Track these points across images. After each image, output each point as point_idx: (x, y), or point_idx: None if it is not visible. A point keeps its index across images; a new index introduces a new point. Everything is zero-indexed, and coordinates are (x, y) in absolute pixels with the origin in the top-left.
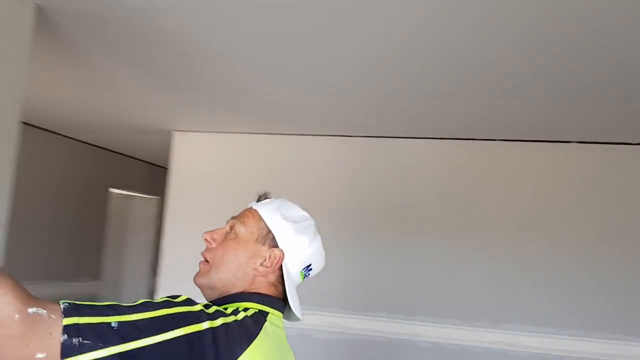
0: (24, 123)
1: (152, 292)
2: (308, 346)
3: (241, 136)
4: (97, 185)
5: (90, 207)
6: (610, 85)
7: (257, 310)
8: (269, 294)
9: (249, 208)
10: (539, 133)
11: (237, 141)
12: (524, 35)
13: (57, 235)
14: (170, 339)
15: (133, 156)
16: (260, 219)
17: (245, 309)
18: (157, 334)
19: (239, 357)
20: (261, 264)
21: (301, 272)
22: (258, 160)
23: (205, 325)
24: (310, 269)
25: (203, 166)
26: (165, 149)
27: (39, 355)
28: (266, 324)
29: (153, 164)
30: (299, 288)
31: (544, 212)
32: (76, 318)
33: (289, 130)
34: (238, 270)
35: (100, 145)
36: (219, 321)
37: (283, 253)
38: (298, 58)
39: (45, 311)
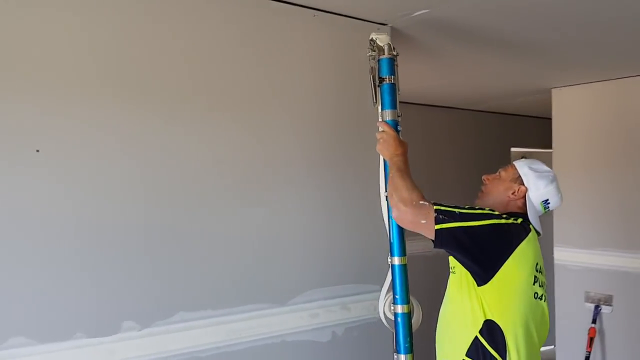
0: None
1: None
2: None
3: (612, 83)
4: (500, 146)
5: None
6: None
7: (523, 220)
8: (521, 212)
9: (511, 164)
10: None
11: (609, 88)
12: None
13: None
14: (486, 224)
15: (530, 115)
16: (516, 169)
17: (516, 219)
18: (478, 220)
19: (519, 245)
20: (512, 194)
21: (541, 203)
22: (632, 103)
23: (503, 221)
24: (548, 203)
25: (580, 117)
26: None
27: (422, 221)
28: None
29: (546, 118)
30: None
31: None
32: (440, 206)
33: None
34: (497, 196)
35: (498, 111)
36: (511, 220)
37: (527, 188)
38: None
39: (427, 203)
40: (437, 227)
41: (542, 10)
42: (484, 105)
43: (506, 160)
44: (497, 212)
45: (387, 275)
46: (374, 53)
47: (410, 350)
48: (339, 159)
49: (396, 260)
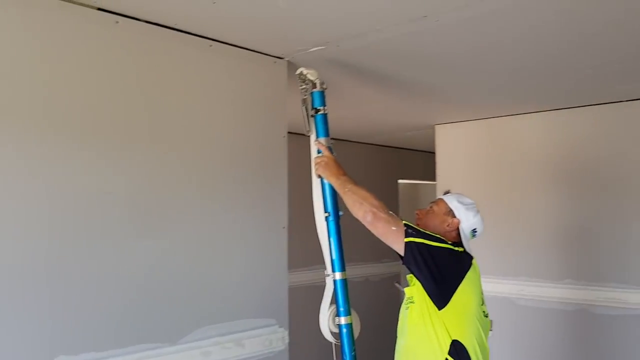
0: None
1: None
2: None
3: (488, 121)
4: (388, 178)
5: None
6: None
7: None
8: (456, 241)
9: (439, 198)
10: None
11: (486, 126)
12: None
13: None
14: (444, 247)
15: (416, 149)
16: (446, 203)
17: (458, 247)
18: (438, 242)
19: (468, 270)
20: (447, 226)
21: (470, 232)
22: (505, 140)
23: (456, 248)
24: (476, 231)
25: (460, 151)
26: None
27: (393, 227)
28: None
29: (431, 152)
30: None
31: None
32: (408, 222)
33: (529, 109)
34: (434, 229)
35: (387, 145)
36: (457, 248)
37: (459, 220)
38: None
39: (396, 215)
40: (407, 239)
41: (428, 57)
42: (374, 139)
43: (394, 191)
44: (450, 241)
45: (324, 292)
46: (306, 86)
47: (355, 358)
48: (234, 190)
49: (338, 276)
